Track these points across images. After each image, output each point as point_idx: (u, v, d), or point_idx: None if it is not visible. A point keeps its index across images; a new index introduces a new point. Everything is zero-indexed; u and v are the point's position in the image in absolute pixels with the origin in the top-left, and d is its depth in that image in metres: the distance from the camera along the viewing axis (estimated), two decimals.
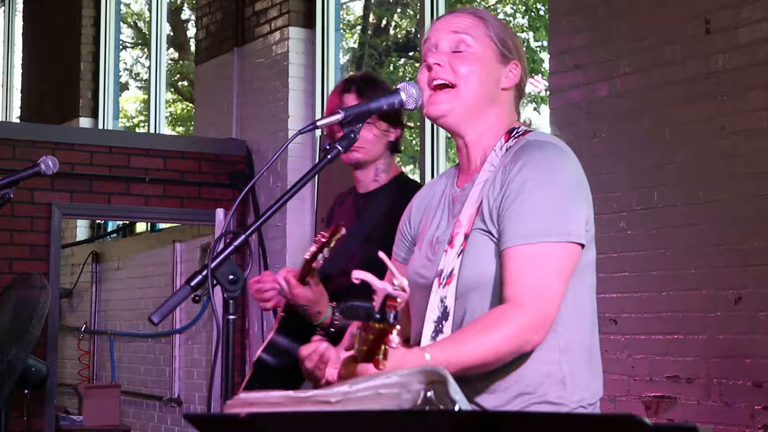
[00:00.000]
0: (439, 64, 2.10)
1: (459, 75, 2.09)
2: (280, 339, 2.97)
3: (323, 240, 2.72)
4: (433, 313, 2.04)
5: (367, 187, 3.08)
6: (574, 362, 2.02)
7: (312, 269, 2.79)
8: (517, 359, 1.96)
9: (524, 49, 2.23)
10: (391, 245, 2.96)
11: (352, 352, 1.75)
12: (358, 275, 1.83)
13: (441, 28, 2.14)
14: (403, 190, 3.05)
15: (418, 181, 3.71)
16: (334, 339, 2.92)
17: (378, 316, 1.57)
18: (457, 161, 2.24)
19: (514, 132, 2.12)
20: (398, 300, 1.56)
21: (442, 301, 2.03)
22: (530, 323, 1.90)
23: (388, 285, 1.59)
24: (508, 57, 2.14)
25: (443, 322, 2.02)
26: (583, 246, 2.00)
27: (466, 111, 2.10)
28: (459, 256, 2.02)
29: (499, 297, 1.97)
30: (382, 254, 1.88)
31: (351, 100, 3.05)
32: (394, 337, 1.58)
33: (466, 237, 2.03)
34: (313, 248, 2.74)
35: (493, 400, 1.99)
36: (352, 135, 2.09)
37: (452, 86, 2.10)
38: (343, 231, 2.73)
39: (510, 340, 1.89)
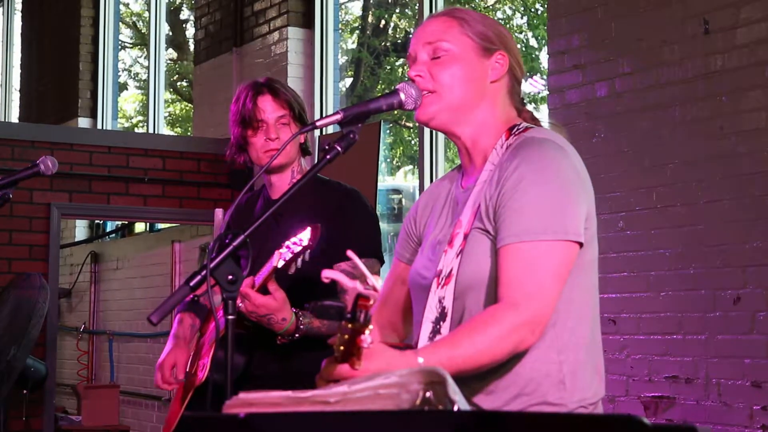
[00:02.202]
0: (420, 76, 2.10)
1: (440, 81, 2.08)
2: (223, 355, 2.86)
3: (304, 244, 2.59)
4: (431, 313, 2.03)
5: (283, 191, 2.89)
6: (574, 362, 2.00)
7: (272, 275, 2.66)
8: (515, 359, 1.95)
9: (512, 36, 2.19)
10: (318, 249, 2.81)
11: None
12: (328, 274, 1.82)
13: (417, 39, 2.14)
14: (321, 189, 2.97)
15: (424, 184, 3.67)
16: (300, 345, 2.80)
17: (349, 316, 1.58)
18: (458, 161, 2.23)
19: (515, 129, 2.10)
20: (370, 300, 1.57)
21: (440, 301, 2.02)
22: (523, 323, 1.88)
23: (360, 285, 1.59)
24: (491, 49, 2.11)
25: (441, 322, 2.01)
26: (581, 245, 1.98)
27: (452, 112, 2.09)
28: (458, 256, 2.01)
29: (496, 297, 1.95)
30: (351, 253, 1.86)
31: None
32: (367, 337, 1.60)
33: (466, 237, 2.02)
34: (288, 255, 2.60)
35: (491, 400, 1.97)
36: (351, 136, 2.07)
37: (435, 92, 2.09)
38: (321, 229, 2.61)
39: (503, 340, 1.87)
